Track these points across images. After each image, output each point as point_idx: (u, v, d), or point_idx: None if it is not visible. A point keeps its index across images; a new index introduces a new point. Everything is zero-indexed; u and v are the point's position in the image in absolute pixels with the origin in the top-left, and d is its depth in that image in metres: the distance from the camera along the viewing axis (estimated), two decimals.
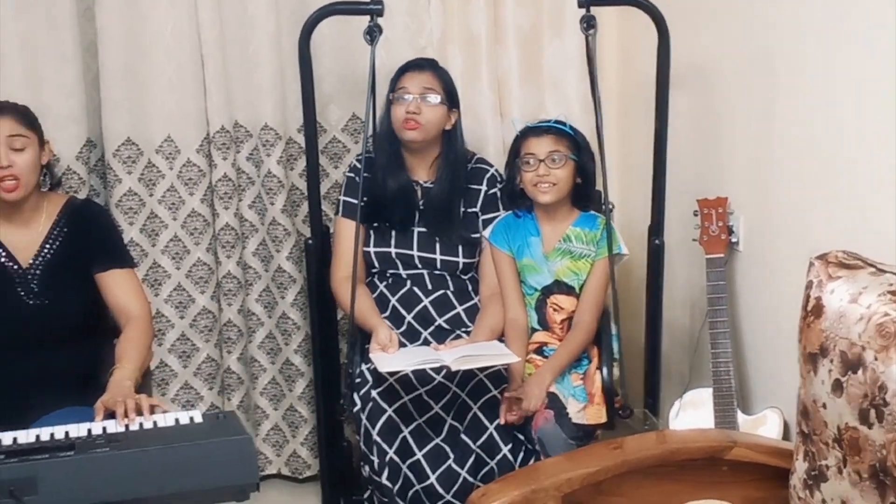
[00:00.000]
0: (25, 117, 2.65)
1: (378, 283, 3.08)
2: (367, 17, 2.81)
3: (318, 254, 3.13)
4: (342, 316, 3.26)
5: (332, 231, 3.18)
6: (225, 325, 3.35)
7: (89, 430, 2.30)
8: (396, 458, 2.79)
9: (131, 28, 3.13)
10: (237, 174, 3.30)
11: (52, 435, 2.27)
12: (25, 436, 2.28)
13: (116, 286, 2.70)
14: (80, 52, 3.12)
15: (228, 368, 3.37)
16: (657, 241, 3.08)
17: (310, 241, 3.14)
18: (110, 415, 2.38)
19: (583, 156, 2.98)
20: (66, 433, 2.28)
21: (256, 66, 3.27)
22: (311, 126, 3.04)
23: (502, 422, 2.80)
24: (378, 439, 2.79)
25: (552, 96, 3.46)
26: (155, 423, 2.35)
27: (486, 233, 3.06)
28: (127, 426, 2.32)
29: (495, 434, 2.80)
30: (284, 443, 3.46)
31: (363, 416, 2.83)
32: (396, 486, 2.80)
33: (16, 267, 2.65)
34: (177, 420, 2.36)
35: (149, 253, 3.23)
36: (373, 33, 2.85)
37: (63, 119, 3.05)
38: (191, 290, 3.30)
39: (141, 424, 2.33)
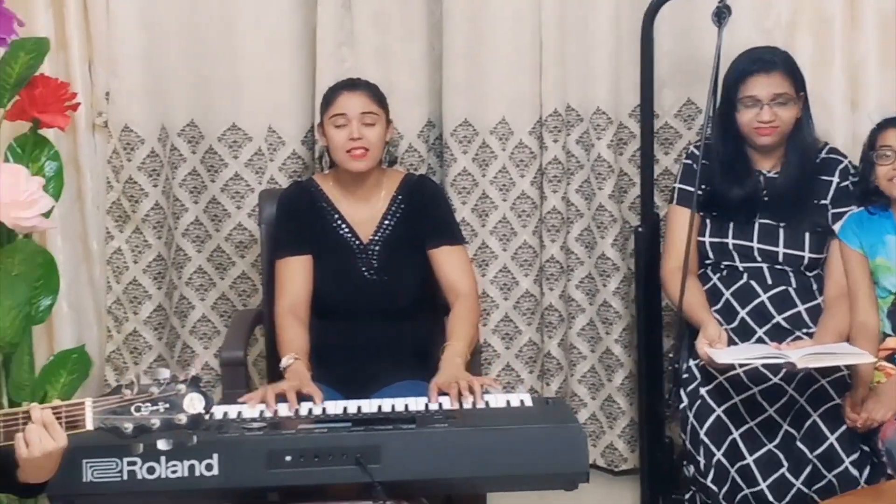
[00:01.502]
0: (377, 95, 2.76)
1: (711, 275, 2.97)
2: None
3: (647, 242, 3.06)
4: (664, 306, 3.18)
5: (662, 219, 3.10)
6: (546, 309, 3.36)
7: (426, 405, 2.38)
8: (724, 461, 2.69)
9: (474, 9, 3.18)
10: (567, 157, 3.30)
11: (392, 407, 2.37)
12: (368, 405, 2.39)
13: (447, 262, 2.75)
14: (426, 31, 3.21)
15: (548, 353, 3.38)
16: None
17: (640, 229, 3.08)
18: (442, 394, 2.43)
19: None
20: (406, 406, 2.38)
21: (592, 48, 3.24)
22: (647, 111, 2.97)
23: (849, 423, 2.62)
24: (705, 439, 2.70)
25: None
26: (487, 403, 2.39)
27: (836, 228, 2.88)
28: (461, 403, 2.37)
29: (836, 445, 2.62)
30: (601, 433, 3.43)
31: (690, 415, 2.74)
32: (723, 490, 2.70)
33: (357, 242, 2.76)
34: (508, 402, 2.39)
35: (478, 233, 3.29)
36: (721, 15, 2.76)
37: (408, 98, 3.14)
38: (515, 273, 3.32)
39: (474, 403, 2.38)
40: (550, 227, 3.30)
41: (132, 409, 1.75)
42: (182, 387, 1.77)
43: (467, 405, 2.36)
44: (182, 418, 1.76)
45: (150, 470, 2.12)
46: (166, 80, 3.16)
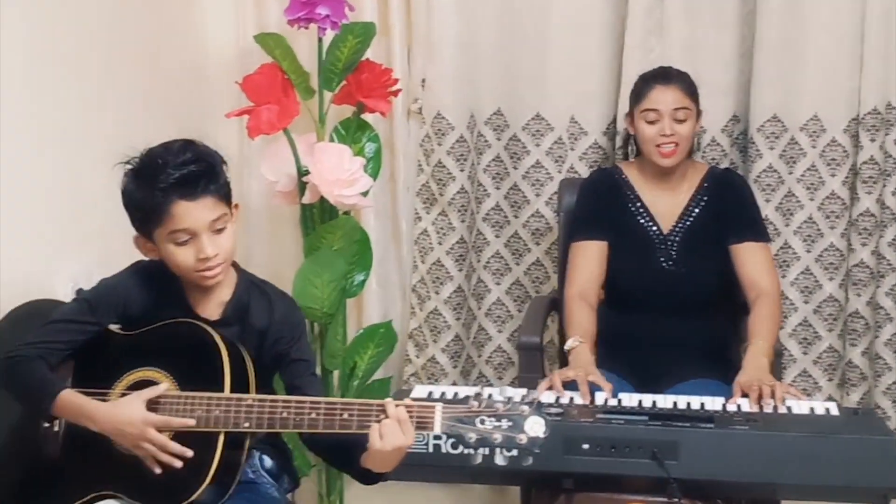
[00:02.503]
0: (690, 88, 2.74)
1: None
2: None
3: None
4: None
5: None
6: (851, 315, 3.22)
7: (724, 405, 2.35)
8: None
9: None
10: (885, 158, 3.14)
11: (688, 404, 2.35)
12: (663, 401, 2.38)
13: (749, 259, 2.70)
14: (738, 21, 3.14)
15: (850, 362, 3.24)
16: None
17: None
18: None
19: None
20: (702, 405, 2.35)
21: None
22: None
23: None
24: None
25: None
26: (789, 408, 2.33)
27: None
28: (761, 407, 2.33)
29: None
30: None
31: None
32: None
33: (657, 232, 2.75)
34: (812, 409, 2.33)
35: (781, 232, 3.19)
36: None
37: (715, 90, 3.09)
38: (819, 276, 3.21)
39: (775, 408, 2.32)
40: (862, 229, 3.16)
41: (477, 420, 1.80)
42: (526, 408, 1.81)
43: (768, 409, 2.32)
44: (523, 439, 1.79)
45: (455, 446, 2.20)
46: (477, 67, 3.23)
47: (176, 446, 1.90)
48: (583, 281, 2.72)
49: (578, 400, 2.39)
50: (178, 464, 1.89)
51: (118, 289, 2.06)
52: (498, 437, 1.80)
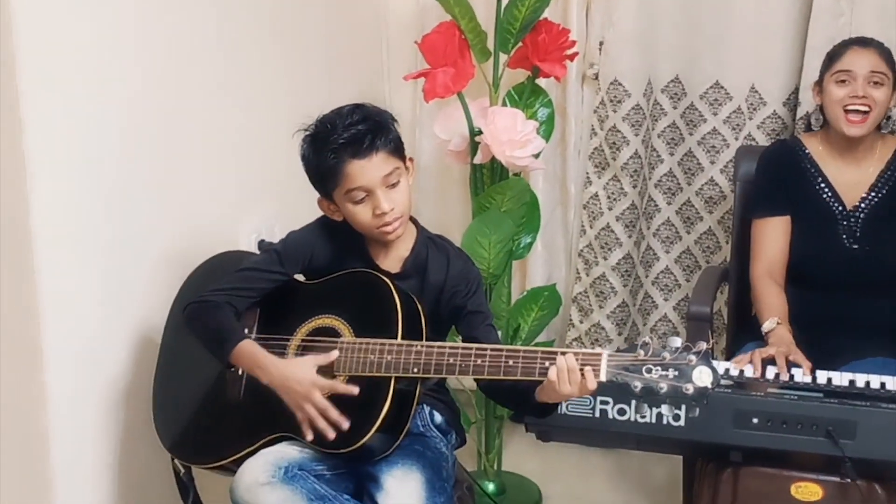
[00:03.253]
0: (888, 56, 2.64)
1: None
2: None
3: None
4: None
5: None
6: None
7: None
8: None
9: None
10: None
11: (867, 383, 2.29)
12: (839, 378, 2.33)
13: None
14: None
15: None
16: None
17: None
18: None
19: None
20: (882, 384, 2.29)
21: None
22: None
23: None
24: None
25: None
26: None
27: None
28: None
29: None
30: None
31: None
32: None
33: (840, 208, 2.68)
34: None
35: None
36: None
37: None
38: None
39: None
40: None
41: (643, 369, 1.79)
42: (693, 357, 1.78)
43: None
44: (689, 388, 1.77)
45: (621, 412, 2.22)
46: (656, 31, 3.17)
47: (335, 414, 1.95)
48: (769, 259, 2.68)
49: (749, 372, 2.36)
50: (332, 434, 1.95)
51: (305, 241, 2.15)
52: (664, 386, 1.78)
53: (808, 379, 2.32)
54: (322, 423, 1.96)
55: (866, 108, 2.59)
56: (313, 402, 1.97)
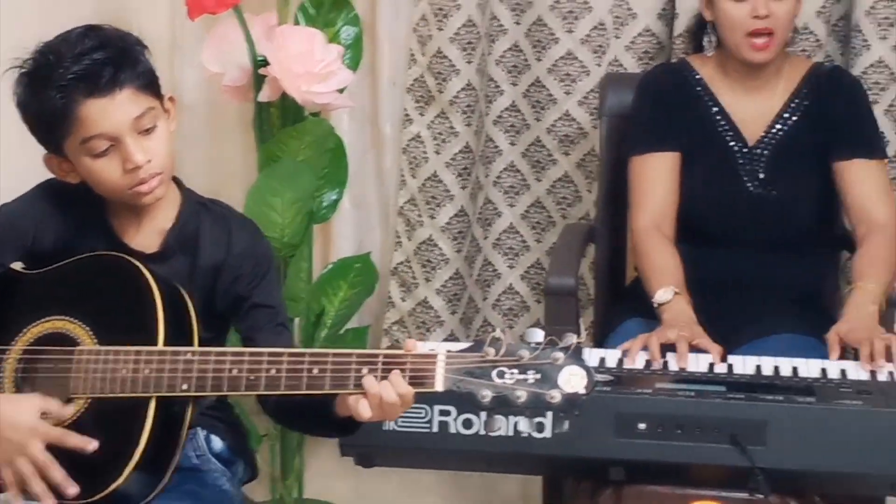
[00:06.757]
0: None
1: None
2: None
3: None
4: None
5: None
6: None
7: (824, 371, 2.30)
8: None
9: None
10: None
11: (776, 369, 2.31)
12: (742, 364, 2.34)
13: (860, 181, 2.65)
14: None
15: None
16: None
17: None
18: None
19: None
20: (795, 369, 2.30)
21: None
22: None
23: None
24: None
25: None
26: None
27: None
28: (873, 373, 2.25)
29: None
30: None
31: None
32: None
33: (740, 144, 2.71)
34: None
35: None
36: None
37: None
38: None
39: (892, 374, 2.26)
40: None
41: (494, 373, 1.72)
42: (560, 356, 1.71)
43: (882, 376, 2.24)
44: (555, 396, 1.70)
45: (467, 423, 2.14)
46: None
47: (59, 474, 1.85)
48: (655, 206, 2.67)
49: (635, 363, 2.34)
50: (51, 502, 1.85)
51: (23, 216, 2.07)
52: (522, 394, 1.71)
53: (705, 368, 2.30)
54: (39, 487, 1.86)
55: (767, 35, 2.59)
56: (31, 458, 1.86)
